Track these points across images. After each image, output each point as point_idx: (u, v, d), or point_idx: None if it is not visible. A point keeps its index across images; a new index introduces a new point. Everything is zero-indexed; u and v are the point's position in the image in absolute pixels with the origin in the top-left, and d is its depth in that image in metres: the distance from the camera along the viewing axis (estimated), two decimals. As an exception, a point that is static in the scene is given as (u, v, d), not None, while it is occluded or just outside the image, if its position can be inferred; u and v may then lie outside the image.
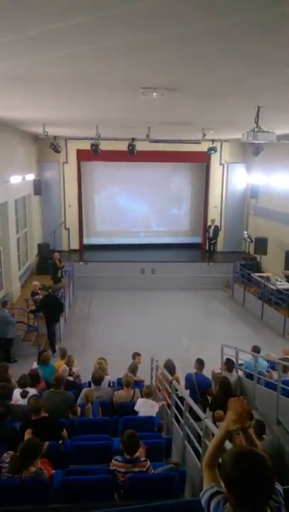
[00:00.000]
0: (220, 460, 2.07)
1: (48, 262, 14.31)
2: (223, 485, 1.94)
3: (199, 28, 3.29)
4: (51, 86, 5.87)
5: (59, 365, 7.80)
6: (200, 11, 2.93)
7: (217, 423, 5.72)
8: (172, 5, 2.82)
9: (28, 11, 2.97)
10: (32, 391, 6.17)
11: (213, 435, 4.06)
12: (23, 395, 6.08)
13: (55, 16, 3.06)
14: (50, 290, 11.00)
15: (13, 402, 5.95)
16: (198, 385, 7.24)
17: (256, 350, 8.21)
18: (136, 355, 8.26)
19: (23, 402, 5.87)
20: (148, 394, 6.25)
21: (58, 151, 13.71)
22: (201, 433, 4.57)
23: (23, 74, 5.13)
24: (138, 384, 7.34)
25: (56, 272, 13.50)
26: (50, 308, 10.64)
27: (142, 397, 6.32)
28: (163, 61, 4.42)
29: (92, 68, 4.79)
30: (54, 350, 10.23)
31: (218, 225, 17.59)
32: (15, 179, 12.04)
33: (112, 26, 3.29)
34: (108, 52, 4.06)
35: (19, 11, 2.98)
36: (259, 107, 7.03)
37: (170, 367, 7.44)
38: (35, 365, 7.59)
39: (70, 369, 7.55)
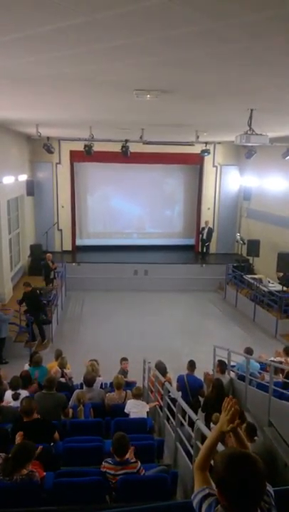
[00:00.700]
0: (212, 462, 2.08)
1: (40, 263, 14.28)
2: (214, 487, 1.94)
3: (192, 31, 3.30)
4: (44, 87, 5.85)
5: (51, 366, 7.78)
6: (193, 14, 2.94)
7: (211, 425, 5.73)
8: (165, 8, 2.83)
9: (22, 12, 2.96)
10: (23, 393, 6.15)
11: (204, 437, 4.07)
12: (15, 397, 6.05)
13: (49, 18, 3.06)
14: (32, 286, 10.90)
15: (4, 403, 5.92)
16: (190, 387, 7.25)
17: (249, 352, 8.22)
18: (123, 360, 8.25)
19: (15, 404, 5.85)
20: (137, 395, 6.25)
21: (51, 152, 13.65)
22: (192, 435, 4.57)
23: (18, 75, 5.11)
24: (130, 385, 7.33)
25: (48, 273, 13.47)
26: (32, 303, 10.68)
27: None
28: (156, 64, 4.43)
29: (86, 70, 4.78)
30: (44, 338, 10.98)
31: (212, 226, 17.65)
32: (7, 179, 11.98)
33: (105, 29, 3.29)
34: (102, 54, 4.06)
35: (15, 13, 2.98)
36: (252, 110, 7.08)
37: (161, 368, 7.44)
38: (27, 367, 7.55)
39: (63, 371, 7.53)
